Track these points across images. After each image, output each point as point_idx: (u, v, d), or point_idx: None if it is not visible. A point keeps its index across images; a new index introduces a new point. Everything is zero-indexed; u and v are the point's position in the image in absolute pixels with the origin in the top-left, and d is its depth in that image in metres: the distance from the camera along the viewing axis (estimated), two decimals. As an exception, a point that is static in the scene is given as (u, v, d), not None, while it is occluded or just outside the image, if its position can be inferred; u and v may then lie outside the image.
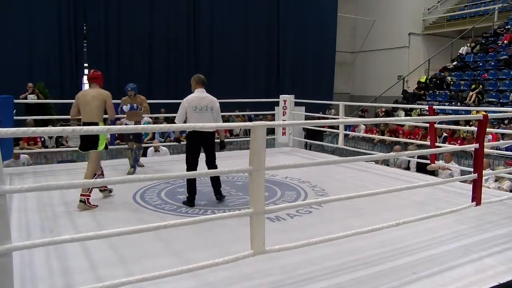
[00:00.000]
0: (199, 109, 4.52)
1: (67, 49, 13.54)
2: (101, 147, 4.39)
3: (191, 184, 4.53)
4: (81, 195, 4.20)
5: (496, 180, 6.67)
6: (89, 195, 4.24)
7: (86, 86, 14.49)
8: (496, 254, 3.25)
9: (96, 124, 4.40)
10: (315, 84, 17.94)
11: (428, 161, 6.55)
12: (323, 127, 11.08)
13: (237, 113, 11.74)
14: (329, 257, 3.10)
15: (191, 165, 4.53)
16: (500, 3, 16.60)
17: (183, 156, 4.77)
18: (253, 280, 2.77)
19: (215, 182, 4.69)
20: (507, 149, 7.92)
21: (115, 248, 3.21)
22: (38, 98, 10.09)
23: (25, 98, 9.83)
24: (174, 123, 4.75)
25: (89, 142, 4.41)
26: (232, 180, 5.69)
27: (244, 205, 4.45)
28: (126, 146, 6.38)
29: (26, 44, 12.74)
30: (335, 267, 2.96)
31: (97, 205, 4.35)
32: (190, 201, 4.53)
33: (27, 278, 2.77)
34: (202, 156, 4.63)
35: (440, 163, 7.06)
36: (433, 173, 7.68)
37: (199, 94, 4.59)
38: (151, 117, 10.30)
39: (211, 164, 4.63)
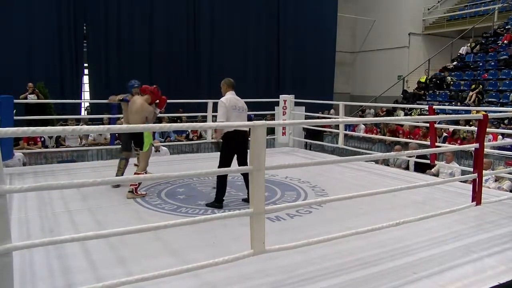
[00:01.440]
0: (237, 109, 4.59)
1: (67, 49, 13.53)
2: (145, 148, 4.91)
3: (225, 183, 4.49)
4: (130, 185, 4.77)
5: (496, 180, 6.68)
6: (137, 185, 4.80)
7: (86, 86, 14.51)
8: (496, 254, 3.25)
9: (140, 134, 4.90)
10: (315, 84, 17.93)
11: (428, 161, 6.55)
12: (323, 127, 11.08)
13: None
14: (329, 257, 3.10)
15: (228, 165, 4.44)
16: (500, 3, 16.60)
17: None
18: (253, 280, 2.77)
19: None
20: (507, 148, 7.93)
21: (115, 248, 3.21)
22: (38, 98, 10.08)
23: (25, 98, 9.82)
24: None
25: (136, 143, 5.07)
26: (232, 180, 5.67)
27: (244, 205, 4.45)
28: (122, 155, 5.62)
29: (26, 44, 12.74)
30: (335, 267, 2.96)
31: (145, 193, 4.87)
32: (220, 201, 4.47)
33: (27, 278, 2.77)
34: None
35: (441, 163, 7.07)
36: (430, 168, 7.70)
37: (234, 96, 4.68)
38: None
39: (246, 163, 4.48)
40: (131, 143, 5.46)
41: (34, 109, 9.46)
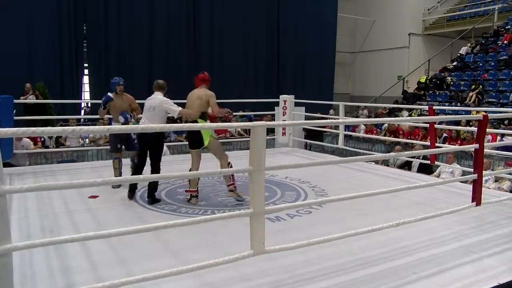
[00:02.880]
0: (147, 109, 4.69)
1: (67, 49, 13.53)
2: (206, 141, 4.50)
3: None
4: (227, 185, 4.67)
5: (496, 181, 6.68)
6: (234, 183, 4.64)
7: (86, 86, 14.51)
8: (496, 255, 3.26)
9: (195, 121, 4.54)
10: (315, 84, 17.93)
11: (428, 161, 6.56)
12: (323, 127, 11.08)
13: (244, 113, 11.64)
14: (329, 257, 3.10)
15: (140, 161, 4.79)
16: (500, 3, 16.60)
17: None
18: (253, 280, 2.77)
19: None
20: (507, 149, 7.92)
21: (115, 248, 3.21)
22: (37, 99, 10.07)
23: (25, 99, 9.83)
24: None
25: (195, 141, 4.56)
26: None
27: (244, 205, 4.45)
28: (114, 155, 5.53)
29: (26, 45, 12.74)
30: (335, 267, 2.96)
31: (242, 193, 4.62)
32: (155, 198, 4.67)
33: (27, 278, 2.77)
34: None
35: (442, 165, 7.07)
36: (433, 172, 7.71)
37: (152, 96, 4.77)
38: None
39: (155, 161, 4.74)
40: (117, 143, 5.44)
41: (33, 109, 9.45)
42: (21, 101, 9.19)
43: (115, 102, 5.30)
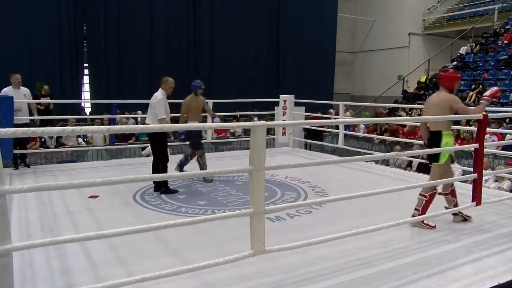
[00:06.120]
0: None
1: (67, 49, 13.51)
2: (442, 159, 3.78)
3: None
4: (415, 209, 3.82)
5: (496, 180, 6.68)
6: (423, 212, 3.74)
7: (86, 86, 14.50)
8: (496, 254, 3.25)
9: (439, 133, 3.83)
10: (315, 84, 17.91)
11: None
12: (323, 126, 11.08)
13: (246, 112, 11.61)
14: (329, 257, 3.10)
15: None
16: (500, 3, 16.60)
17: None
18: (253, 280, 2.77)
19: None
20: (507, 148, 7.91)
21: (115, 248, 3.21)
22: (51, 99, 10.09)
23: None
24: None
25: (430, 154, 3.91)
26: (232, 180, 5.69)
27: (244, 205, 4.45)
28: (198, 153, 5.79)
29: (26, 44, 12.72)
30: (335, 267, 2.96)
31: (435, 226, 3.76)
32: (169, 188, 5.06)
33: (27, 278, 2.77)
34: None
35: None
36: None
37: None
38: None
39: (156, 156, 5.17)
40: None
41: (45, 111, 9.45)
42: (33, 101, 9.21)
43: (193, 103, 5.70)
